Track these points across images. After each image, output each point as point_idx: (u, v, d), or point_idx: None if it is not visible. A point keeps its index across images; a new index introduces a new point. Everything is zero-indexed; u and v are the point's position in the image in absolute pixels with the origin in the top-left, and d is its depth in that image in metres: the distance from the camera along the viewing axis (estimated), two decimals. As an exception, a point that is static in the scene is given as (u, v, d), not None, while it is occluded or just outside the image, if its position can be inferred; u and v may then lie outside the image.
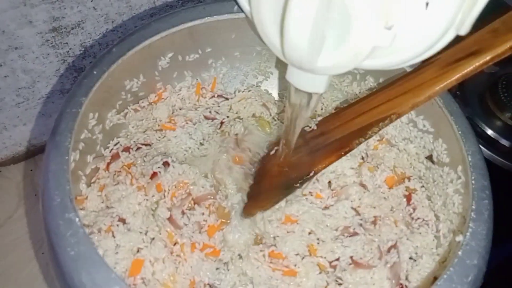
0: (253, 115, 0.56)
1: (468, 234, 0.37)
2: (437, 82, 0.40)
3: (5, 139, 0.69)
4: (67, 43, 0.64)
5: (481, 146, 0.71)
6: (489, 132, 0.74)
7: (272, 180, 0.49)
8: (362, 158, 0.53)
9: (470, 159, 0.42)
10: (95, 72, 0.41)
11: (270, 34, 0.31)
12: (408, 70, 0.45)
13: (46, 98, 0.69)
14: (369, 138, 0.43)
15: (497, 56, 0.37)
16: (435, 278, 0.46)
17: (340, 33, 0.28)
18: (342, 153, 0.44)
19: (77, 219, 0.33)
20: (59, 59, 0.66)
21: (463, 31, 0.31)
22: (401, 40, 0.29)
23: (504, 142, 0.72)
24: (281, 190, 0.47)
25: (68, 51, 0.66)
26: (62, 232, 0.32)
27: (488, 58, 0.38)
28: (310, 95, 0.38)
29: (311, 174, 0.46)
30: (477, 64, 0.38)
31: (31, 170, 0.73)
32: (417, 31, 0.30)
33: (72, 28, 0.63)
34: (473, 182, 0.40)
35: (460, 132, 0.44)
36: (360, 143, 0.43)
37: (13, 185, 0.71)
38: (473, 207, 0.39)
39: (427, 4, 0.28)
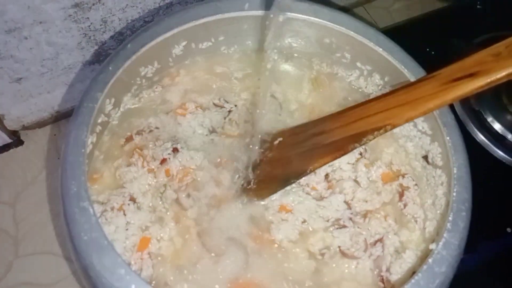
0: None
1: (440, 243, 0.40)
2: (433, 99, 0.41)
3: (31, 106, 0.74)
4: (88, 18, 0.67)
5: (487, 141, 0.73)
6: (497, 127, 0.73)
7: (272, 173, 0.52)
8: (360, 154, 0.56)
9: (455, 172, 0.44)
10: (110, 68, 0.44)
11: None
12: (412, 80, 0.46)
13: (69, 69, 0.73)
14: (363, 144, 0.46)
15: (495, 81, 0.38)
16: (414, 272, 0.50)
17: None
18: (337, 155, 0.47)
19: (90, 208, 0.38)
20: (80, 33, 0.68)
21: None
22: None
23: (511, 138, 0.73)
24: (280, 182, 0.51)
25: (89, 26, 0.68)
26: (77, 218, 0.37)
27: (485, 82, 0.38)
28: None
29: (308, 172, 0.49)
30: (473, 87, 0.39)
31: (55, 135, 0.78)
32: None
33: (93, 4, 0.65)
34: (454, 194, 0.43)
35: (450, 144, 0.45)
36: (355, 148, 0.46)
37: (39, 147, 0.77)
38: (450, 218, 0.42)
39: None
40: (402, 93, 0.45)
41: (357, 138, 0.46)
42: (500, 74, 0.38)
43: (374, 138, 0.45)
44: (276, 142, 0.55)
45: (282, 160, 0.52)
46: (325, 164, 0.48)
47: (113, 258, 0.36)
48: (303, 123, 0.52)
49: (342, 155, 0.47)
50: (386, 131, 0.44)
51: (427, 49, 0.79)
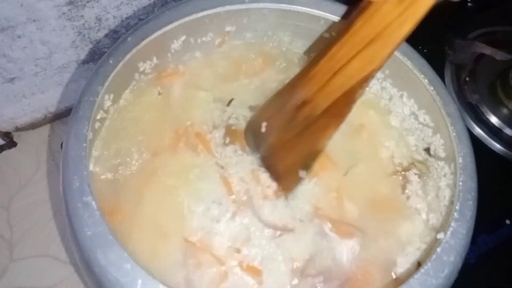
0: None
1: (448, 232, 0.40)
2: (402, 24, 0.36)
3: (24, 106, 0.73)
4: (82, 16, 0.66)
5: (484, 134, 0.74)
6: (494, 120, 0.74)
7: (283, 163, 0.45)
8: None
9: (460, 161, 0.44)
10: (111, 62, 0.44)
11: None
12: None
13: (62, 68, 0.72)
14: (357, 99, 0.41)
15: None
16: (420, 264, 0.50)
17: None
18: (338, 123, 0.42)
19: (93, 203, 0.37)
20: (75, 31, 0.67)
21: None
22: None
23: (508, 131, 0.73)
24: (296, 169, 0.45)
25: (83, 24, 0.67)
26: (80, 213, 0.36)
27: None
28: None
29: (320, 151, 0.44)
30: None
31: (48, 136, 0.77)
32: None
33: (88, 1, 0.64)
34: (460, 183, 0.43)
35: (454, 134, 0.45)
36: (352, 108, 0.41)
37: (33, 149, 0.76)
38: (457, 207, 0.41)
39: None
40: (363, 25, 0.38)
41: (348, 98, 0.40)
42: None
43: (364, 89, 0.40)
44: (262, 128, 0.47)
45: (284, 147, 0.45)
46: (330, 136, 0.42)
47: (119, 252, 0.35)
48: (275, 95, 0.47)
49: (343, 120, 0.42)
50: (373, 77, 0.40)
51: (419, 47, 0.81)
